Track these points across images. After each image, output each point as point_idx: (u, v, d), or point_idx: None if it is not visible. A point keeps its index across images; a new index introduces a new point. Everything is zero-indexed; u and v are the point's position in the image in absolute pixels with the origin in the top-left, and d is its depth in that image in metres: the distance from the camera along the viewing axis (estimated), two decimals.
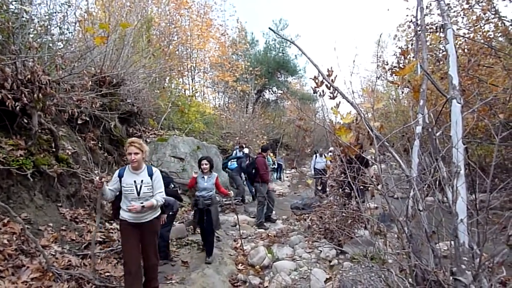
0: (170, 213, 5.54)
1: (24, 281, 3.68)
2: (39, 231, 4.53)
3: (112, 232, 5.65)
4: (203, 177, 5.96)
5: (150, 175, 4.02)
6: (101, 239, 5.30)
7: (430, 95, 7.83)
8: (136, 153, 3.86)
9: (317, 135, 26.90)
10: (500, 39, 8.68)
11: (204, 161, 5.96)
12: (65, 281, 3.90)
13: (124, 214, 3.97)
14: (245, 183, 11.42)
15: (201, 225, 5.91)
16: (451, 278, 2.33)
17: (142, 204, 3.84)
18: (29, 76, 4.74)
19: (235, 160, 11.50)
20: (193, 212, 6.22)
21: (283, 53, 27.91)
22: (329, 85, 3.41)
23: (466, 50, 8.52)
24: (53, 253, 4.32)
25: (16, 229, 4.15)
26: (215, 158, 11.28)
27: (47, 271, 3.89)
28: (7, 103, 4.55)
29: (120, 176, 4.01)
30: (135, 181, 3.92)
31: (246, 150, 12.76)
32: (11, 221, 4.19)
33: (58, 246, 4.51)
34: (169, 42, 18.32)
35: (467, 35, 8.67)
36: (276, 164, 17.82)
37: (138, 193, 3.90)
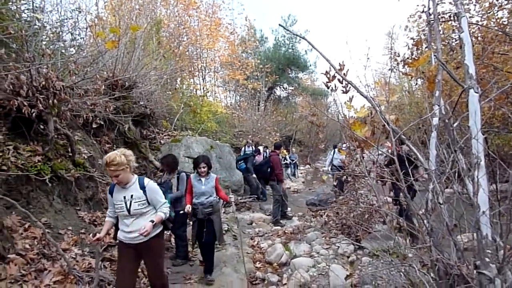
0: (181, 211, 5.16)
1: (47, 285, 3.75)
2: (59, 235, 4.61)
3: None
4: (200, 179, 5.08)
5: (142, 188, 3.48)
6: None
7: (444, 86, 7.68)
8: (116, 176, 3.30)
9: (330, 130, 26.79)
10: None
11: (202, 164, 5.05)
12: (86, 284, 3.96)
13: (119, 234, 3.54)
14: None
15: (200, 239, 5.09)
16: (474, 271, 2.28)
17: (153, 222, 3.41)
18: (43, 83, 4.82)
19: (242, 161, 11.30)
20: (191, 222, 5.33)
21: (293, 49, 27.83)
22: (341, 79, 3.37)
23: (479, 38, 8.34)
24: (74, 256, 4.39)
25: (37, 233, 4.23)
26: (228, 157, 11.29)
27: (68, 274, 3.95)
28: (23, 110, 4.63)
29: (111, 193, 3.55)
30: (124, 197, 3.42)
31: (260, 148, 12.60)
32: (32, 226, 4.27)
33: (78, 249, 4.58)
34: (179, 43, 18.40)
35: (480, 23, 8.49)
36: (288, 160, 17.77)
37: (128, 210, 3.39)
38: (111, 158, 3.23)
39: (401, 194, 2.76)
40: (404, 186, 2.71)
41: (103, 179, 6.21)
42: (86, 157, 6.23)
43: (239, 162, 11.29)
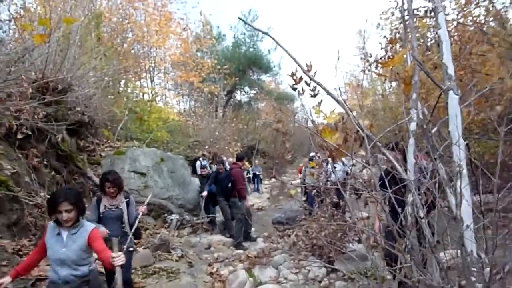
0: (130, 248, 4.29)
1: None
2: None
3: None
4: (59, 233, 3.00)
5: None
6: None
7: (420, 89, 7.99)
8: None
9: (298, 139, 27.08)
10: (492, 24, 8.96)
11: (65, 203, 2.85)
12: None
13: None
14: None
15: None
16: None
17: None
18: None
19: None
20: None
21: (254, 48, 28.06)
22: (309, 81, 3.40)
23: (456, 38, 8.77)
24: None
25: None
26: (182, 171, 11.09)
27: None
28: None
29: None
30: None
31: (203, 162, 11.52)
32: None
33: None
34: (123, 40, 18.12)
35: (456, 21, 8.93)
36: (251, 173, 17.81)
37: None
38: None
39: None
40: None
41: (31, 200, 5.92)
42: (9, 173, 5.92)
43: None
